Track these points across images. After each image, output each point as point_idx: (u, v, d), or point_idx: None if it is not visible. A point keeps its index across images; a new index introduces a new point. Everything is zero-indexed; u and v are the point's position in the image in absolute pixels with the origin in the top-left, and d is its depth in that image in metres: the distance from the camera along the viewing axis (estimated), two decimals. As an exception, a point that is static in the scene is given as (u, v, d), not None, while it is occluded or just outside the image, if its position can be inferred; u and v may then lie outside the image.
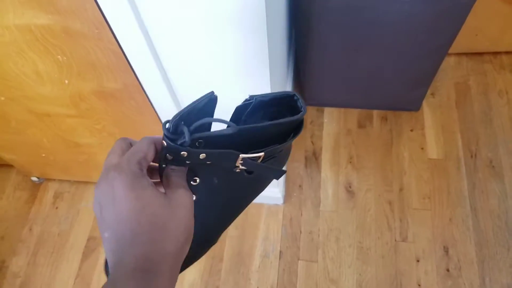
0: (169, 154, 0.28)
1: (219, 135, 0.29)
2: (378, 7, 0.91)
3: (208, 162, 0.29)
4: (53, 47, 0.67)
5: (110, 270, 0.26)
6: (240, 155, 0.30)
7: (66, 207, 1.29)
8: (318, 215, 1.16)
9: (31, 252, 1.21)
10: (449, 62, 1.38)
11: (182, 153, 0.28)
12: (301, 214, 1.17)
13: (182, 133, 0.28)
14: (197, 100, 0.29)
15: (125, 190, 0.26)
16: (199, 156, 0.28)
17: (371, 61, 1.10)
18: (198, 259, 0.36)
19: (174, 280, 0.27)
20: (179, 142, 0.28)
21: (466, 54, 1.38)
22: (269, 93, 0.33)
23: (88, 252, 1.19)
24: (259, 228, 1.16)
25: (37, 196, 1.32)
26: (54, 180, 1.34)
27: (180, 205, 0.28)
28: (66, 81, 0.76)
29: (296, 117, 0.31)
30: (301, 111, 0.31)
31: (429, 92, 1.30)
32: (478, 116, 1.27)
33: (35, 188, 1.33)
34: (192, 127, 0.28)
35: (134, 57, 0.67)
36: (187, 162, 0.29)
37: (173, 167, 0.30)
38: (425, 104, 1.30)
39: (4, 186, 1.35)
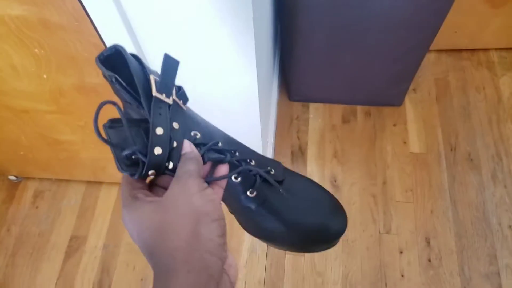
0: (150, 173, 0.29)
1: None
2: (360, 4, 0.92)
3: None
4: (29, 40, 0.65)
5: None
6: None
7: (47, 206, 1.25)
8: (303, 209, 1.17)
9: (9, 253, 1.18)
10: (429, 58, 1.41)
11: (149, 174, 0.28)
12: (287, 209, 1.17)
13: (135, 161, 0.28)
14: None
15: (127, 220, 0.28)
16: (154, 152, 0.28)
17: (354, 58, 1.11)
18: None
19: (196, 270, 0.26)
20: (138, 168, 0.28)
21: (445, 50, 1.41)
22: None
23: (71, 251, 1.17)
24: (245, 224, 1.16)
25: (15, 196, 1.28)
26: (34, 178, 1.30)
27: (173, 197, 0.28)
28: (45, 76, 0.74)
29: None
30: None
31: (411, 87, 1.33)
32: (457, 111, 1.30)
33: (13, 187, 1.29)
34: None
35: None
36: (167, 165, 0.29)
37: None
38: (407, 99, 1.33)
39: (-20, 186, 1.30)
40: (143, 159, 0.27)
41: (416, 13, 0.94)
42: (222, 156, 0.32)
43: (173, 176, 0.29)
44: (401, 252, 1.08)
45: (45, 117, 0.88)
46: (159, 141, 0.28)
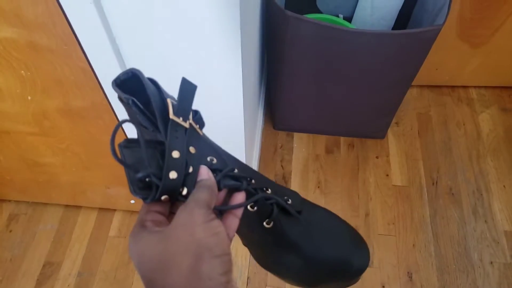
0: (163, 198, 0.27)
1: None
2: (346, 39, 0.95)
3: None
4: (16, 62, 0.65)
5: None
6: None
7: (21, 230, 1.20)
8: (286, 240, 1.15)
9: (-23, 279, 1.12)
10: (412, 94, 1.45)
11: (163, 197, 0.27)
12: (270, 239, 1.16)
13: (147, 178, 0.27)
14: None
15: (131, 250, 0.27)
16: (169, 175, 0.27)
17: (339, 90, 1.14)
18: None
19: None
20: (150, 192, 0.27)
21: (427, 86, 1.46)
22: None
23: (43, 279, 1.11)
24: (227, 253, 1.14)
25: (-12, 218, 1.23)
26: (10, 201, 1.25)
27: (176, 228, 0.26)
28: (29, 97, 0.73)
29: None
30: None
31: (394, 121, 1.36)
32: (438, 145, 1.33)
33: (-13, 209, 1.25)
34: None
35: (104, 76, 0.65)
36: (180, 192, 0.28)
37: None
38: (390, 133, 1.36)
39: (-48, 207, 1.25)
40: (157, 182, 0.26)
41: (400, 50, 0.97)
42: (238, 183, 0.31)
43: None
44: (383, 286, 1.07)
45: (27, 138, 0.87)
46: (174, 165, 0.27)
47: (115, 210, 1.22)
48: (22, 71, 0.66)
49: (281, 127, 1.36)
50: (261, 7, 1.02)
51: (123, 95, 0.27)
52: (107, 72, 0.64)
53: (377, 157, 1.31)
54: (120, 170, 0.97)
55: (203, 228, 0.26)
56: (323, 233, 0.36)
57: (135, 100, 0.27)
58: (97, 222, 1.21)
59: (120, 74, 0.28)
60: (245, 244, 0.37)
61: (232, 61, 0.62)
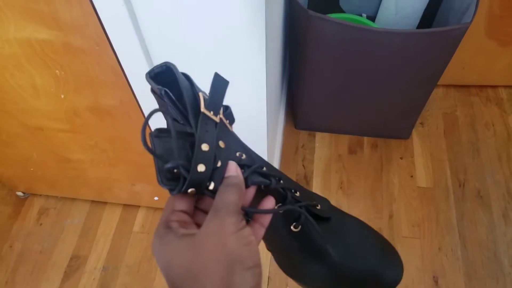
0: (190, 191, 0.27)
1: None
2: (370, 39, 0.94)
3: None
4: (52, 62, 0.68)
5: None
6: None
7: (51, 223, 1.25)
8: (307, 240, 1.15)
9: (10, 270, 1.17)
10: (437, 93, 1.42)
11: (189, 190, 0.27)
12: (291, 239, 1.16)
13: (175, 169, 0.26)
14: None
15: (157, 252, 0.26)
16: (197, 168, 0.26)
17: (362, 90, 1.13)
18: None
19: None
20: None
21: (454, 86, 1.43)
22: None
23: (70, 271, 1.15)
24: (248, 252, 1.14)
25: (20, 212, 1.28)
26: (40, 195, 1.31)
27: (207, 235, 0.25)
28: (62, 96, 0.76)
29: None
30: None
31: (418, 121, 1.33)
32: (465, 147, 1.30)
33: (20, 203, 1.30)
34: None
35: (133, 75, 0.67)
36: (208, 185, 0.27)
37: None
38: (414, 133, 1.33)
39: (-13, 200, 1.32)
40: (185, 174, 0.26)
41: (425, 50, 0.96)
42: (267, 181, 0.30)
43: (212, 198, 0.27)
44: (407, 289, 1.05)
45: (58, 135, 0.90)
46: (203, 158, 0.26)
47: (139, 206, 1.25)
48: (57, 71, 0.69)
49: (302, 126, 1.36)
50: (284, 7, 1.03)
51: (156, 87, 0.27)
52: (136, 71, 0.66)
53: (401, 158, 1.28)
54: (145, 167, 0.99)
55: (235, 238, 0.25)
56: (353, 242, 0.35)
57: (168, 91, 0.27)
58: (121, 218, 1.24)
59: (154, 67, 0.28)
60: (269, 249, 0.36)
61: (256, 61, 0.63)
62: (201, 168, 0.26)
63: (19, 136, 0.92)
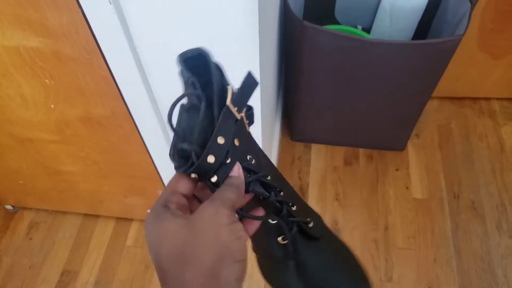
0: (193, 176, 0.28)
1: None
2: (365, 49, 0.95)
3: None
4: (41, 71, 0.67)
5: None
6: None
7: (41, 238, 1.22)
8: (303, 253, 1.13)
9: (-3, 285, 1.14)
10: (432, 105, 1.43)
11: (192, 176, 0.27)
12: (286, 252, 1.14)
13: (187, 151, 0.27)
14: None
15: (149, 229, 0.27)
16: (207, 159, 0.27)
17: (358, 101, 1.13)
18: None
19: None
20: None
21: (448, 98, 1.44)
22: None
23: (61, 287, 1.12)
24: (242, 265, 1.12)
25: (10, 226, 1.26)
26: (31, 209, 1.28)
27: (202, 220, 0.26)
28: (52, 106, 0.75)
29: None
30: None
31: (413, 133, 1.33)
32: (460, 158, 1.29)
33: (9, 217, 1.27)
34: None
35: (124, 85, 0.67)
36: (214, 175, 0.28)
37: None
38: (409, 145, 1.33)
39: (-25, 214, 1.29)
40: (195, 159, 0.26)
41: (420, 60, 0.96)
42: (267, 194, 0.30)
43: (212, 192, 0.28)
44: (404, 303, 1.03)
45: (48, 146, 0.89)
46: (216, 149, 0.26)
47: (132, 219, 1.23)
48: (46, 80, 0.68)
49: (298, 138, 1.35)
50: (279, 18, 1.03)
51: (186, 74, 0.27)
52: (128, 81, 0.65)
53: (396, 170, 1.28)
54: (138, 179, 0.98)
55: (229, 230, 0.26)
56: (335, 266, 0.36)
57: (195, 81, 0.27)
58: (114, 232, 1.22)
59: (187, 50, 0.28)
60: (254, 251, 0.36)
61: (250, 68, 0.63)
62: (211, 159, 0.26)
63: (8, 147, 0.91)
